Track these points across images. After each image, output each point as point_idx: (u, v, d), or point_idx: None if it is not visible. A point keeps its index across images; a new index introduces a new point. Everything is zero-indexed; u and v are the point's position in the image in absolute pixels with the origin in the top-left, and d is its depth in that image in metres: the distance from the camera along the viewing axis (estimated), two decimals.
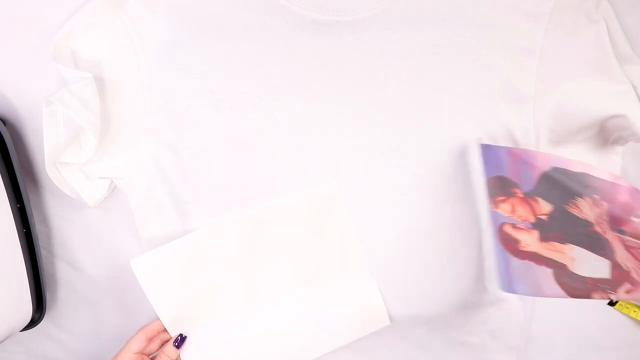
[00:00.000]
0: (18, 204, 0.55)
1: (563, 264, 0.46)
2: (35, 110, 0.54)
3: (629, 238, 0.44)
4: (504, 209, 0.48)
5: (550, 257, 0.46)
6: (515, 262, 0.47)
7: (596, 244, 0.45)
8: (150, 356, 0.57)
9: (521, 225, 0.47)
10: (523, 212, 0.47)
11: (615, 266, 0.45)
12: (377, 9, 0.48)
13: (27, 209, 0.56)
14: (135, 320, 0.66)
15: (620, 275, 0.45)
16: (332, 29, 0.48)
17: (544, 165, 0.46)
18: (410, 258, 0.56)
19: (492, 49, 0.49)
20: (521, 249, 0.47)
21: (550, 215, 0.47)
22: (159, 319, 0.56)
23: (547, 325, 0.65)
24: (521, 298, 0.61)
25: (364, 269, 0.56)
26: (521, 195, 0.47)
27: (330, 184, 0.53)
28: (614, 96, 0.50)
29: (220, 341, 0.57)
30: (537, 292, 0.46)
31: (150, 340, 0.56)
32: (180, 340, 0.56)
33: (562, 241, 0.47)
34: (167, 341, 0.57)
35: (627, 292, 0.45)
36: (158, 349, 0.57)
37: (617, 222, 0.44)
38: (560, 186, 0.46)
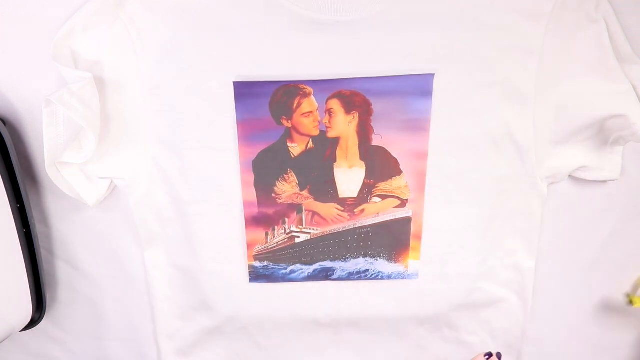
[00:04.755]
0: (18, 204, 0.55)
1: None
2: (35, 110, 0.54)
3: None
4: None
5: None
6: None
7: None
8: None
9: None
10: None
11: None
12: (376, 9, 0.48)
13: (27, 209, 0.56)
14: (135, 320, 0.66)
15: None
16: (331, 28, 0.48)
17: None
18: None
19: (492, 49, 0.49)
20: None
21: None
22: None
23: (547, 325, 0.65)
24: (521, 298, 0.61)
25: None
26: None
27: None
28: (614, 96, 0.50)
29: None
30: None
31: None
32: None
33: None
34: None
35: None
36: None
37: None
38: None
